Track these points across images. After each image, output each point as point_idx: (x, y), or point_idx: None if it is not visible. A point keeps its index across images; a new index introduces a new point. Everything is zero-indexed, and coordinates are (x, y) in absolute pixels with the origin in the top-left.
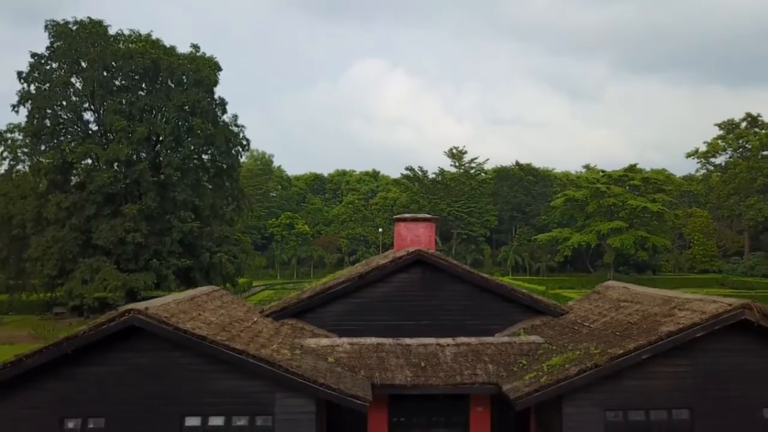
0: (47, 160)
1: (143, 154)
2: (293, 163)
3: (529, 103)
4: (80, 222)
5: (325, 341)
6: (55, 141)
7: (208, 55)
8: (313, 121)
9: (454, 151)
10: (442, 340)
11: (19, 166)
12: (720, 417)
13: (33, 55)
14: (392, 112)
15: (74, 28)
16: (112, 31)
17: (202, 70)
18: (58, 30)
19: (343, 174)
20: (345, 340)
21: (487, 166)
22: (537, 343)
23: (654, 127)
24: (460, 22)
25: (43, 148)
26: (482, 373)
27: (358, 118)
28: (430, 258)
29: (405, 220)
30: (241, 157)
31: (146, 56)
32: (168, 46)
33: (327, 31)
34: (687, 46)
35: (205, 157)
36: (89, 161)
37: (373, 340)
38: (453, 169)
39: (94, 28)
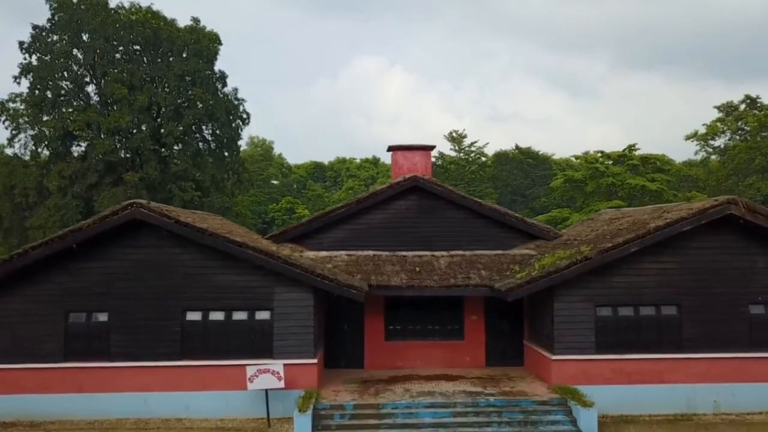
0: (49, 130)
1: (144, 126)
2: (293, 154)
3: (528, 100)
4: (82, 190)
5: (323, 253)
6: (57, 112)
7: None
8: (312, 119)
9: (454, 135)
10: (437, 252)
11: (21, 135)
12: (707, 313)
13: (34, 27)
14: (391, 109)
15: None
16: (112, 4)
17: (202, 41)
18: (59, 1)
19: (343, 161)
20: (342, 252)
21: (487, 151)
22: (530, 254)
23: (653, 123)
24: (459, 19)
25: (45, 118)
26: (476, 277)
27: (356, 114)
28: (426, 184)
29: (401, 148)
30: (241, 130)
31: (147, 26)
32: (169, 18)
33: (324, 27)
34: (686, 42)
35: (205, 129)
36: (90, 132)
37: (370, 252)
38: (453, 153)
39: (95, 0)
